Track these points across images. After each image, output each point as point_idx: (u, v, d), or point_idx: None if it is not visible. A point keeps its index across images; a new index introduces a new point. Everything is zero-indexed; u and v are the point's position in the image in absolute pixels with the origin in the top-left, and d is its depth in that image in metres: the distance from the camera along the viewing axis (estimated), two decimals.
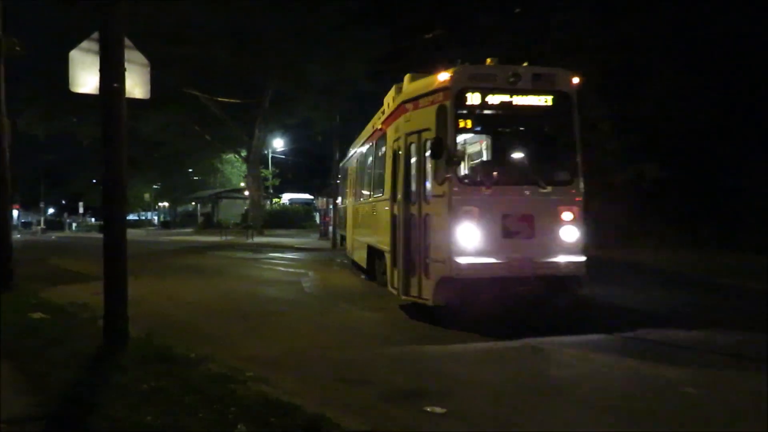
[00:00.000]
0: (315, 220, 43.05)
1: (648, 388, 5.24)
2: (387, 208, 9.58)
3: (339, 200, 22.87)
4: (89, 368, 5.43)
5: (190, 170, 60.45)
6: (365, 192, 13.32)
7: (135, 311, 6.44)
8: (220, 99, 32.65)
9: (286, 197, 53.03)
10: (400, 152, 8.83)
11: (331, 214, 27.01)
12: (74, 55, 6.24)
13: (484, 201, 7.63)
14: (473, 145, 10.60)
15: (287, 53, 29.61)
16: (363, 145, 13.81)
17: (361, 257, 13.47)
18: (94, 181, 59.30)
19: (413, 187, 8.55)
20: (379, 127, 11.14)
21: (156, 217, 75.40)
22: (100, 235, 6.19)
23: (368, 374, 5.65)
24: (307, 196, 51.79)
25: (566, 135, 8.22)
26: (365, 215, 12.86)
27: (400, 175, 8.81)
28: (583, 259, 7.81)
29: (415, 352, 6.58)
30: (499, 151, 9.06)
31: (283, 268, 16.90)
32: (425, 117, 8.15)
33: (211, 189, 58.16)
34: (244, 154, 40.99)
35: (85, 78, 6.22)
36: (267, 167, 46.33)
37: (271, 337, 7.42)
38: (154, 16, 23.61)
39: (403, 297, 8.53)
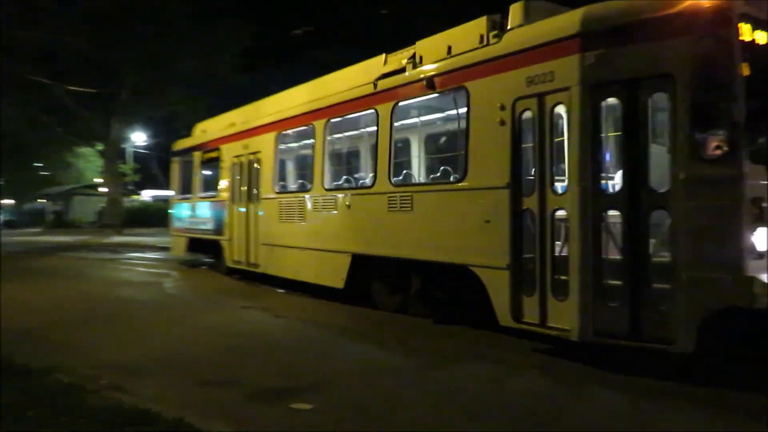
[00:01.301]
0: None
1: None
2: (487, 201, 6.63)
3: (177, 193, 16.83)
4: None
5: (39, 165, 55.57)
6: (353, 180, 10.04)
7: None
8: (72, 88, 30.26)
9: (147, 194, 50.39)
10: (566, 115, 5.84)
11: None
12: None
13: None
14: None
15: (148, 42, 28.13)
16: (325, 117, 9.69)
17: (305, 271, 10.05)
18: None
19: (618, 170, 5.87)
20: (430, 77, 7.54)
21: None
22: None
23: (235, 375, 5.53)
24: (171, 192, 49.51)
25: None
26: (350, 212, 8.95)
27: (577, 150, 5.65)
28: None
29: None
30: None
31: (143, 269, 16.09)
32: (656, 57, 5.30)
33: (63, 185, 53.96)
34: (100, 148, 38.34)
35: None
36: (127, 162, 43.69)
37: (129, 341, 7.02)
38: None
39: (593, 339, 5.51)
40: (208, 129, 14.85)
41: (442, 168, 8.19)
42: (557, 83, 5.86)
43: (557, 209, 5.86)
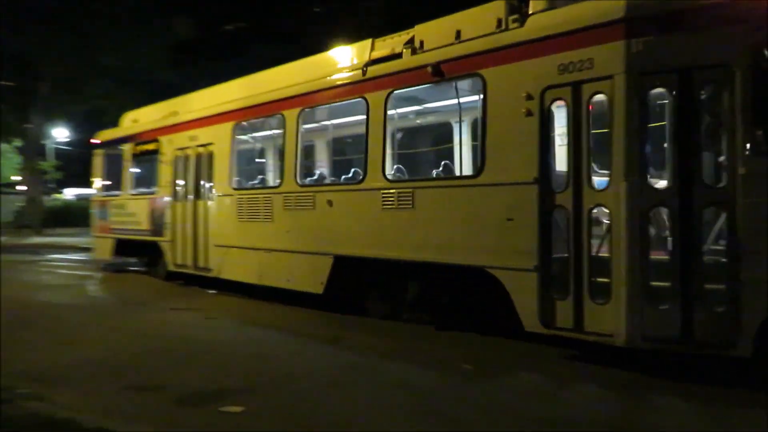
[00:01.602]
0: None
1: None
2: (509, 198, 6.10)
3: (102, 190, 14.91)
4: None
5: None
6: (335, 174, 9.46)
7: None
8: None
9: (70, 192, 48.24)
10: (608, 105, 5.40)
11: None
12: None
13: None
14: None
15: (69, 33, 26.89)
16: (298, 106, 8.71)
17: (273, 274, 9.02)
18: None
19: (667, 165, 5.35)
20: (436, 63, 6.84)
21: None
22: None
23: (163, 379, 5.36)
24: (92, 190, 47.50)
25: None
26: (332, 209, 8.05)
27: (622, 143, 5.27)
28: None
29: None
30: None
31: (65, 271, 15.38)
32: (711, 45, 5.07)
33: None
34: (18, 144, 36.44)
35: None
36: (48, 159, 41.67)
37: (49, 348, 6.70)
38: None
39: (641, 344, 5.19)
40: (141, 119, 13.42)
41: (448, 162, 7.71)
42: (597, 71, 5.45)
43: (596, 206, 5.47)
